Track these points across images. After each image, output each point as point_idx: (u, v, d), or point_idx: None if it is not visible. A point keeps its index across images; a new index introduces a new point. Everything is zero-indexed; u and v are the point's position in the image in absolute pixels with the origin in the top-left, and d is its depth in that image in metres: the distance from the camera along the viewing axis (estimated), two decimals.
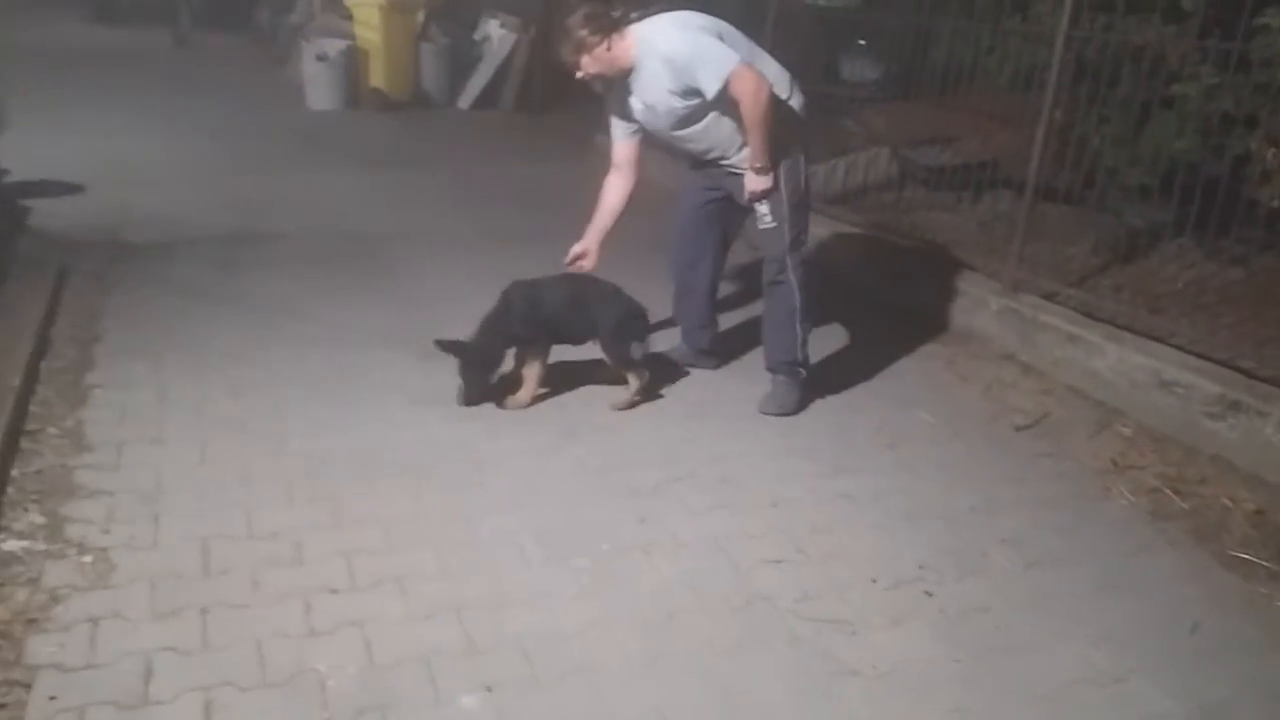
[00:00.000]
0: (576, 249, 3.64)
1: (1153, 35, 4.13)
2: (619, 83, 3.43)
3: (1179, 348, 3.73)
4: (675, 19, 3.36)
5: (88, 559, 2.43)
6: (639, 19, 3.38)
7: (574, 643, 2.31)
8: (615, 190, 3.65)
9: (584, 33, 3.28)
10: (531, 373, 3.47)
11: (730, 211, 3.70)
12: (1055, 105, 4.27)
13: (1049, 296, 4.30)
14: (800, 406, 3.63)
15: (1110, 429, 3.63)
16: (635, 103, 3.45)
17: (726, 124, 3.39)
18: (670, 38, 3.28)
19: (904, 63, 5.26)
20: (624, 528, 2.80)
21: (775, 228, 3.50)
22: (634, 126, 3.55)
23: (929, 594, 2.61)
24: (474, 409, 3.41)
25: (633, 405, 3.52)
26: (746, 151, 3.40)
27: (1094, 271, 4.52)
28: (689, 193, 3.74)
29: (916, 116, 5.70)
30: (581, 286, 3.54)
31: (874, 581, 2.65)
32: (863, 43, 6.13)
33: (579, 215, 3.67)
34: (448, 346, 3.35)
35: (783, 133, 3.38)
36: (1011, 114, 4.92)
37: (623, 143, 3.61)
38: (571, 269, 3.63)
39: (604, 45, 3.30)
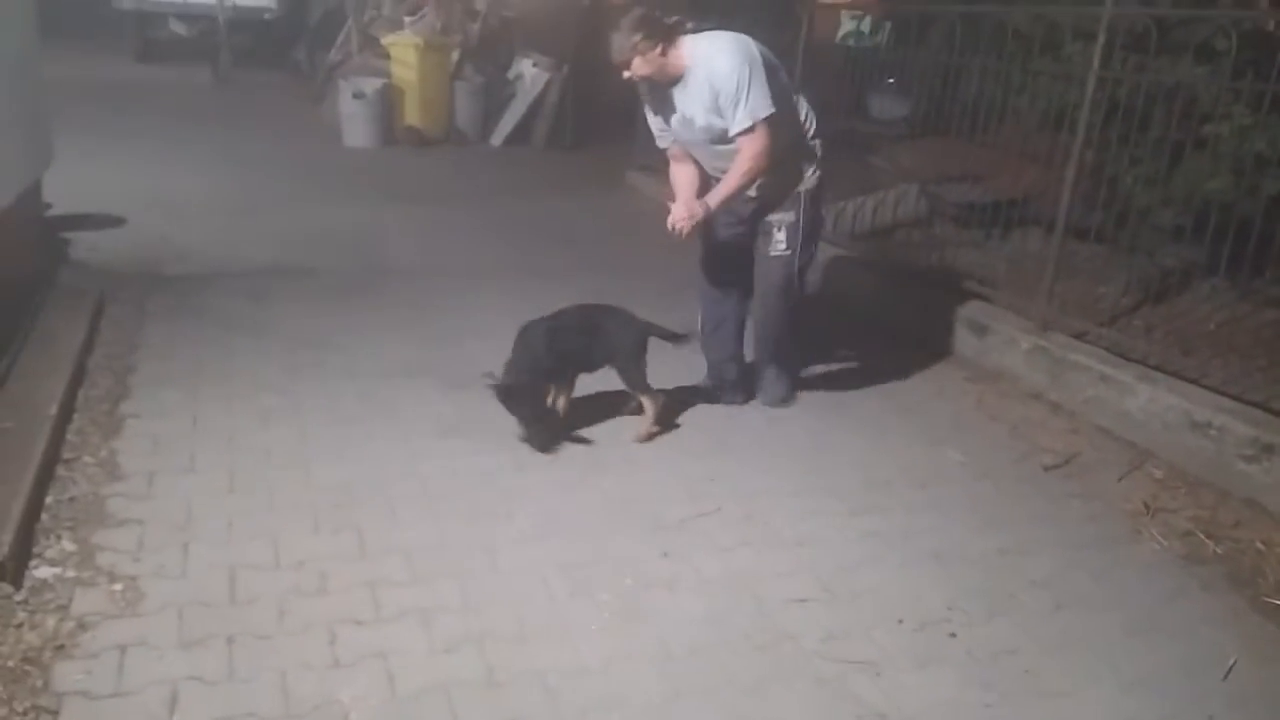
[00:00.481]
0: (681, 211, 3.45)
1: (1184, 75, 4.12)
2: (661, 88, 3.48)
3: (1212, 389, 3.68)
4: (738, 42, 3.40)
5: (118, 587, 2.46)
6: (694, 30, 3.45)
7: (596, 677, 2.30)
8: (685, 173, 3.64)
9: (638, 36, 3.32)
10: (559, 406, 3.50)
11: (749, 245, 3.78)
12: (1086, 145, 4.26)
13: (1079, 336, 4.26)
14: (791, 397, 3.99)
15: (1141, 470, 3.58)
16: (675, 110, 3.50)
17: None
18: (730, 61, 3.32)
19: (933, 100, 5.27)
20: (648, 562, 2.80)
21: (788, 255, 3.67)
22: (670, 131, 3.61)
23: (956, 635, 2.58)
24: (497, 441, 3.41)
25: (651, 436, 3.54)
26: (764, 181, 3.50)
27: (1125, 311, 4.48)
28: (716, 225, 3.74)
29: (946, 154, 5.70)
30: (594, 314, 3.57)
31: (901, 622, 2.62)
32: (892, 80, 6.15)
33: (610, 250, 3.71)
34: (498, 391, 3.34)
35: (807, 166, 3.54)
36: (1042, 153, 4.91)
37: (669, 140, 3.66)
38: (681, 229, 3.45)
39: (658, 50, 3.35)
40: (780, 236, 3.63)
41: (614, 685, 2.28)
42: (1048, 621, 2.68)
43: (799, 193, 3.64)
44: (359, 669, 2.24)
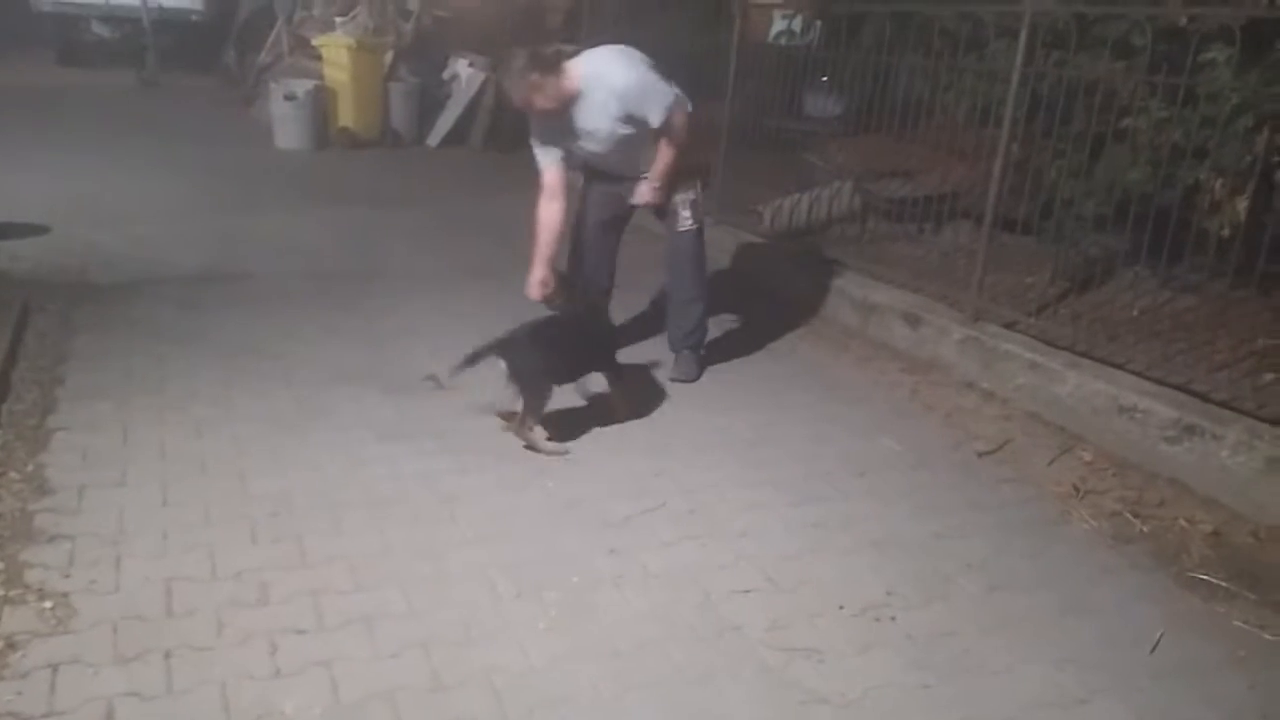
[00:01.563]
0: (539, 279, 3.74)
1: (1104, 70, 4.25)
2: (556, 115, 3.73)
3: (1136, 373, 3.81)
4: (621, 54, 3.79)
5: (48, 604, 2.40)
6: (575, 53, 3.84)
7: (543, 676, 2.30)
8: (556, 215, 3.83)
9: (535, 75, 3.61)
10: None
11: (623, 219, 4.24)
12: (1012, 139, 4.37)
13: (1009, 325, 4.37)
14: (699, 375, 4.23)
15: (1071, 454, 3.69)
16: (575, 129, 3.79)
17: (649, 144, 3.87)
18: (623, 72, 3.72)
19: (865, 98, 5.36)
20: (594, 560, 2.81)
21: (695, 229, 4.13)
22: (562, 153, 3.86)
23: (895, 620, 2.63)
24: (439, 443, 3.39)
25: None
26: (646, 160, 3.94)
27: (1053, 300, 4.61)
28: (591, 209, 4.18)
29: (878, 150, 5.80)
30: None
31: (842, 609, 2.66)
32: (825, 79, 6.23)
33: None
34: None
35: (697, 150, 4.01)
36: (970, 148, 5.03)
37: (554, 169, 3.86)
38: (540, 300, 3.72)
39: (553, 81, 3.64)
40: (686, 214, 4.08)
41: (561, 683, 2.28)
42: (983, 603, 2.75)
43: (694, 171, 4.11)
44: (302, 678, 2.22)
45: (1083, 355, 4.01)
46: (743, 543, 2.97)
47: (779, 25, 6.88)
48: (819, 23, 6.45)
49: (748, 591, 2.72)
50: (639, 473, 3.34)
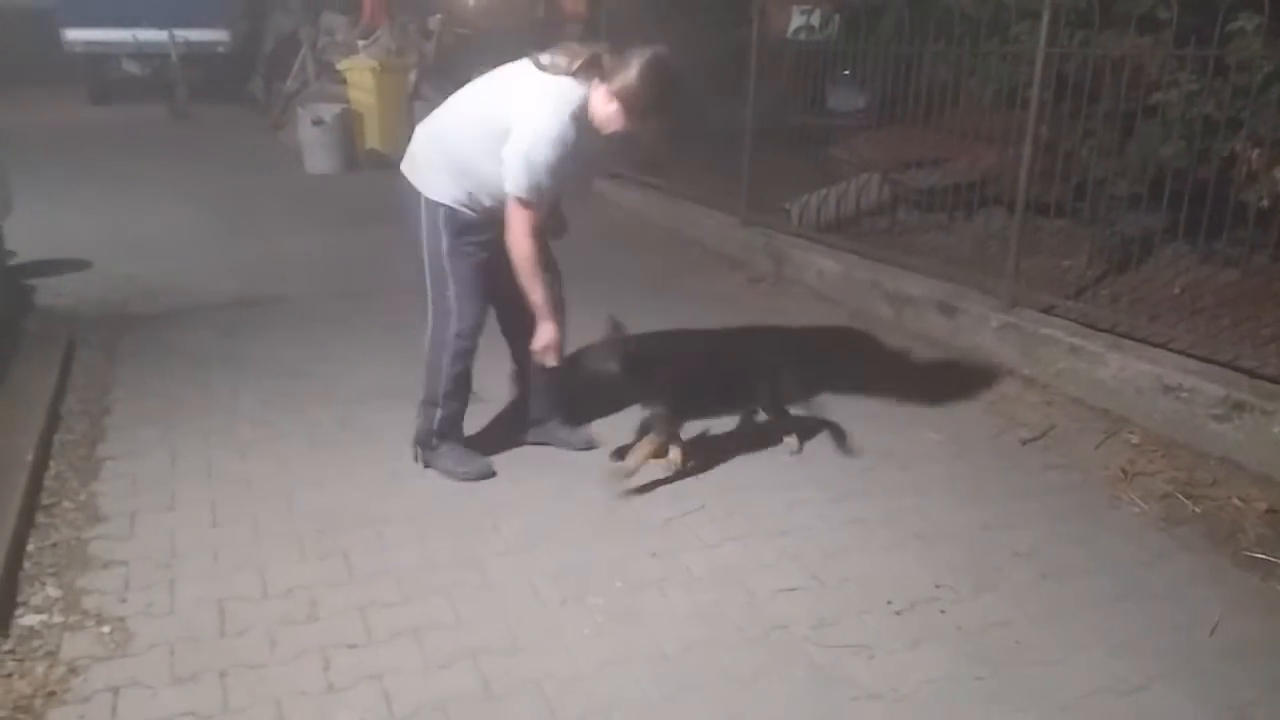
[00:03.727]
0: (550, 340, 3.08)
1: (1130, 47, 4.19)
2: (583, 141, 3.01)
3: (1180, 352, 3.75)
4: (561, 95, 2.96)
5: (106, 629, 2.44)
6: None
7: (592, 682, 2.31)
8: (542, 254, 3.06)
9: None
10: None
11: None
12: (1040, 121, 4.32)
13: (1048, 310, 4.32)
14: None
15: (1117, 437, 3.63)
16: (585, 151, 3.04)
17: None
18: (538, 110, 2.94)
19: (888, 89, 5.33)
20: (637, 564, 2.81)
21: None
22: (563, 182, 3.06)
23: (945, 613, 2.61)
24: (482, 454, 3.40)
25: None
26: None
27: (1091, 282, 4.55)
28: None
29: (904, 141, 5.76)
30: None
31: (890, 604, 2.64)
32: (847, 72, 6.21)
33: (574, 264, 3.60)
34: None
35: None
36: (997, 132, 4.98)
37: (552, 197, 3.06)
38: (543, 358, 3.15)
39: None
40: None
41: (610, 689, 2.29)
42: (1034, 592, 2.72)
43: None
44: (355, 692, 2.24)
45: (1124, 336, 3.95)
46: (785, 541, 2.95)
47: (798, 21, 6.87)
48: (838, 16, 6.43)
49: (793, 590, 2.70)
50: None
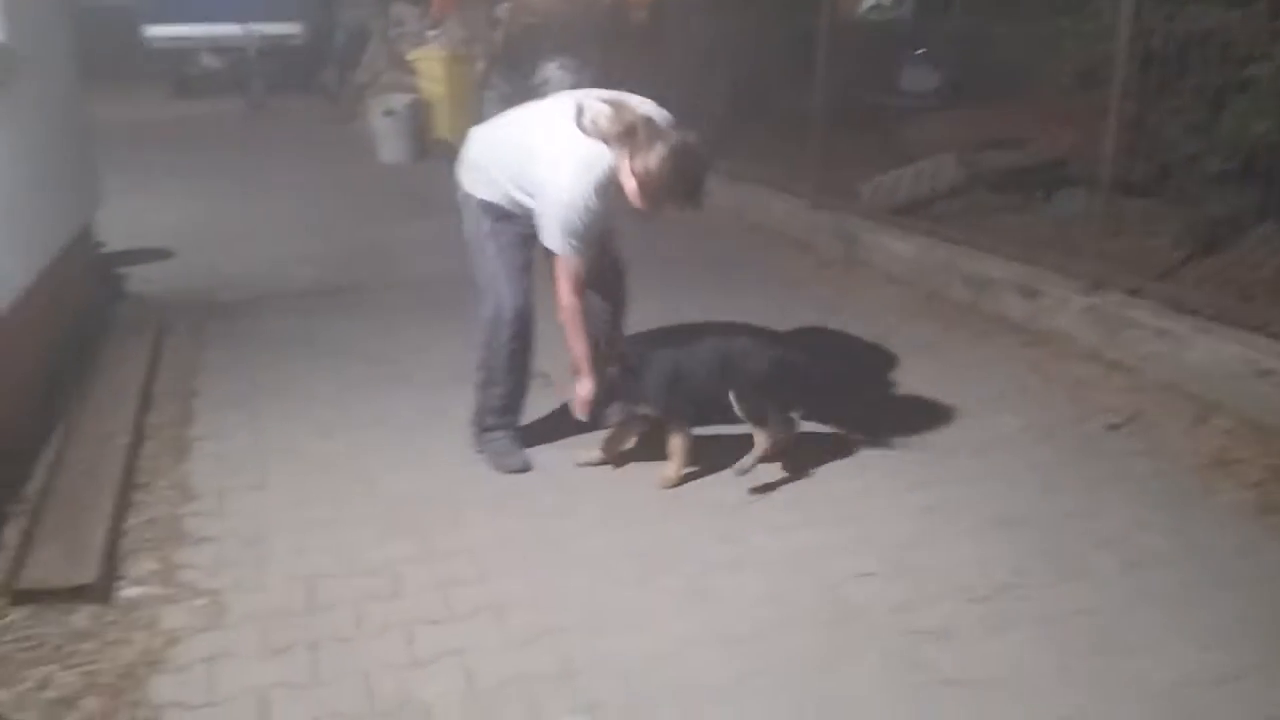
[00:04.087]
0: (585, 396, 3.12)
1: (1218, 20, 4.03)
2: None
3: (1274, 335, 3.61)
4: (586, 160, 2.95)
5: (200, 601, 2.54)
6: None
7: (669, 662, 2.32)
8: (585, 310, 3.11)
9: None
10: (677, 446, 3.18)
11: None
12: (1124, 98, 4.19)
13: (1133, 292, 4.19)
14: None
15: (1208, 423, 3.51)
16: (615, 210, 3.04)
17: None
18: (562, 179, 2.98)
19: (963, 68, 5.22)
20: (709, 547, 2.82)
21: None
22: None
23: (1028, 600, 2.56)
24: (552, 438, 3.44)
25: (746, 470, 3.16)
26: None
27: (1178, 263, 4.40)
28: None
29: (980, 121, 5.64)
30: (725, 341, 3.25)
31: (969, 590, 2.60)
32: (920, 51, 6.10)
33: (648, 251, 3.56)
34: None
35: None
36: (1078, 110, 4.83)
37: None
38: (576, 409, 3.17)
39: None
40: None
41: (687, 669, 2.30)
42: (1120, 581, 2.65)
43: None
44: (438, 666, 2.29)
45: (1214, 319, 3.82)
46: (859, 526, 2.93)
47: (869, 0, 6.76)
48: None
49: (868, 575, 2.68)
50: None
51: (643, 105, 3.02)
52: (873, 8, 6.67)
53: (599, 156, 2.90)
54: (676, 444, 3.16)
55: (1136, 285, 4.20)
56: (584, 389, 3.10)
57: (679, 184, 2.87)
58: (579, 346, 3.08)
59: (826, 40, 5.89)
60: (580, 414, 3.15)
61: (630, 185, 2.89)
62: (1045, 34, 4.84)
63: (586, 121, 2.91)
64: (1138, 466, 3.29)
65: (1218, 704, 2.19)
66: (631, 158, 2.86)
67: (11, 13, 3.85)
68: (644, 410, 3.21)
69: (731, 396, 3.12)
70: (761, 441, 3.15)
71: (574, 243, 2.95)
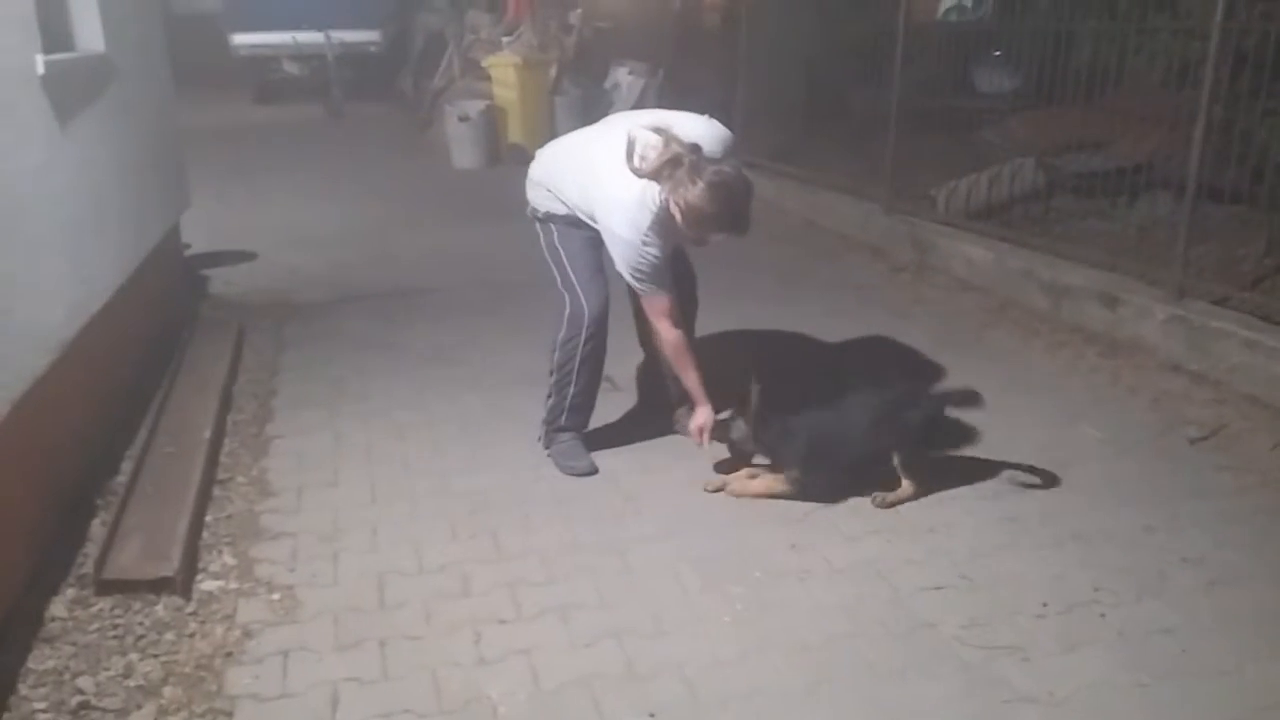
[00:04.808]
0: (703, 423, 3.17)
1: None
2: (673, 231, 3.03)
3: None
4: (637, 202, 3.01)
5: (276, 596, 2.61)
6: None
7: (733, 669, 2.31)
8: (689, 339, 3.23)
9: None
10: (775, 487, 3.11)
11: None
12: (1214, 101, 4.05)
13: (1220, 302, 4.05)
14: None
15: None
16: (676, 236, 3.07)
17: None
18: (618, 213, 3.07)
19: (1044, 69, 5.09)
20: (776, 555, 2.80)
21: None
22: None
23: (1105, 616, 2.49)
24: (620, 442, 3.45)
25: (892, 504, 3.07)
26: None
27: (1269, 272, 4.23)
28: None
29: (1061, 123, 5.49)
30: (875, 394, 3.14)
31: (1045, 606, 2.54)
32: (998, 53, 5.96)
33: (705, 257, 3.53)
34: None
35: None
36: (1165, 113, 4.69)
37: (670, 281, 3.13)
38: (697, 438, 3.19)
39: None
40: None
41: (752, 676, 2.29)
42: (1203, 599, 2.56)
43: None
44: (504, 665, 2.32)
45: None
46: (932, 538, 2.88)
47: (949, 1, 6.64)
48: None
49: (940, 588, 2.63)
50: None
51: (694, 128, 3.03)
52: (952, 9, 6.55)
53: (649, 196, 2.95)
54: (776, 486, 3.08)
55: (1223, 294, 4.05)
56: (701, 417, 3.16)
57: (721, 216, 2.90)
58: (690, 377, 3.15)
59: (902, 42, 5.81)
60: (699, 442, 3.19)
61: (675, 214, 2.93)
62: (1131, 33, 4.70)
63: (636, 161, 2.94)
64: (1220, 482, 3.17)
65: None
66: (674, 190, 2.89)
67: (110, 24, 4.02)
68: (790, 474, 3.08)
69: (896, 461, 3.04)
70: (908, 487, 3.06)
71: (645, 278, 3.04)
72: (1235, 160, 4.21)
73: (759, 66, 7.61)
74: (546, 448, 3.39)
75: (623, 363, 3.55)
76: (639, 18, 11.08)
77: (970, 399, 3.25)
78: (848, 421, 3.09)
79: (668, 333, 3.12)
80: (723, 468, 3.25)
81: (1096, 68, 4.80)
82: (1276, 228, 4.33)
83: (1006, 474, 3.20)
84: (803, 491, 3.06)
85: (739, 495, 3.13)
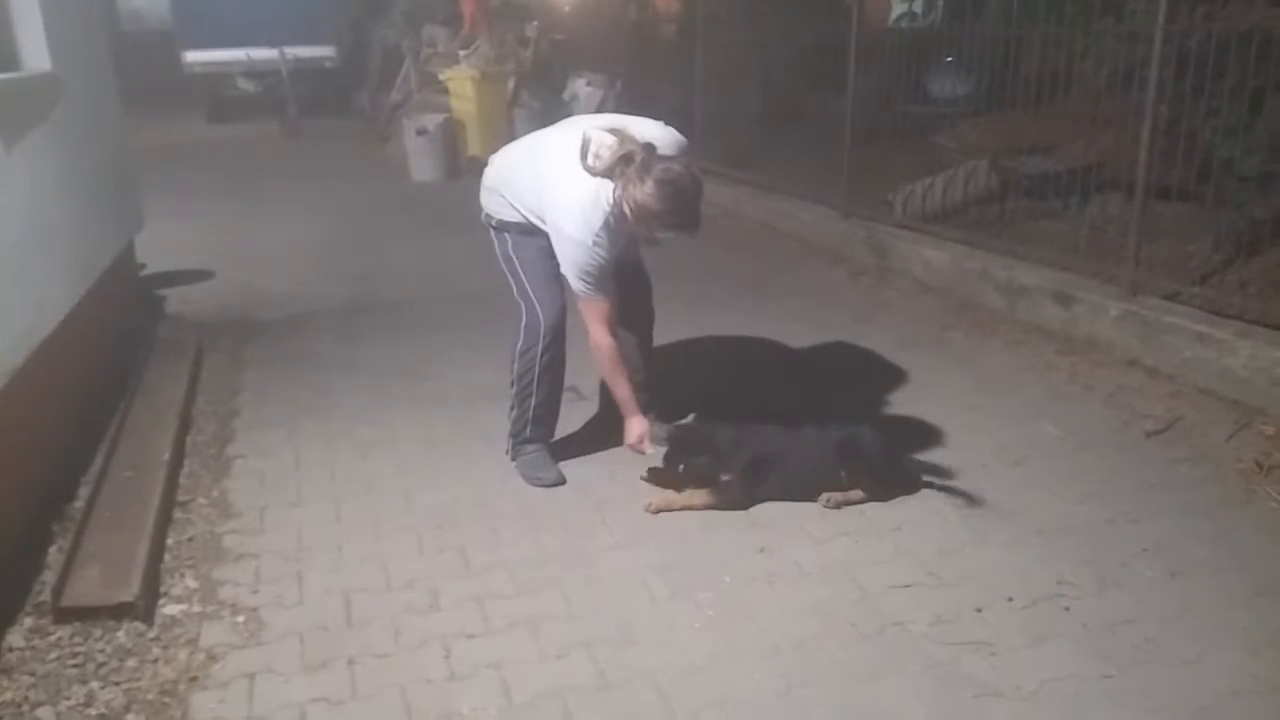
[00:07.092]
0: (640, 433, 3.20)
1: (1260, 18, 3.98)
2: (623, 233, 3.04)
3: None
4: (588, 202, 3.00)
5: (240, 618, 2.56)
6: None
7: (705, 675, 2.31)
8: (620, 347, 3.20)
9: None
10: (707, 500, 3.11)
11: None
12: (1159, 101, 4.14)
13: (1171, 297, 4.13)
14: None
15: (1250, 429, 3.45)
16: (626, 238, 3.08)
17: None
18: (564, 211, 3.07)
19: (995, 74, 5.18)
20: (745, 559, 2.80)
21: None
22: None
23: (1069, 609, 2.53)
24: (585, 453, 3.45)
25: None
26: None
27: (1217, 267, 4.33)
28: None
29: (1013, 127, 5.59)
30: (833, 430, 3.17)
31: (1010, 600, 2.57)
32: (950, 59, 6.06)
33: (664, 263, 3.55)
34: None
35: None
36: (1113, 115, 4.78)
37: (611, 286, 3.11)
38: (638, 448, 3.22)
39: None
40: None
41: (724, 682, 2.29)
42: (1164, 589, 2.61)
43: None
44: (475, 680, 2.30)
45: (1255, 323, 3.76)
46: (898, 537, 2.90)
47: (900, 8, 6.74)
48: (941, 0, 6.28)
49: (908, 586, 2.66)
50: None
51: (650, 131, 3.04)
52: (903, 16, 6.64)
53: (602, 195, 2.95)
54: (707, 499, 3.08)
55: (1174, 290, 4.14)
56: (637, 428, 3.18)
57: (670, 213, 2.89)
58: (621, 389, 3.16)
59: (855, 49, 5.88)
60: (646, 450, 3.19)
61: (625, 211, 2.93)
62: (1078, 38, 4.80)
63: (590, 159, 2.94)
64: (1179, 473, 3.24)
65: (1268, 716, 2.14)
66: (625, 187, 2.89)
67: (56, 43, 3.95)
68: (724, 478, 3.09)
69: (844, 474, 3.08)
70: (857, 492, 3.09)
71: (590, 281, 3.01)
72: (1182, 159, 4.30)
73: (715, 75, 7.67)
74: (513, 460, 3.38)
75: (587, 372, 3.54)
76: (595, 29, 11.12)
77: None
78: (797, 454, 3.12)
79: (601, 339, 3.10)
80: (653, 480, 3.22)
81: (1045, 72, 4.89)
82: (1224, 224, 4.43)
83: (969, 470, 3.24)
84: (728, 501, 3.07)
85: (656, 510, 3.09)
